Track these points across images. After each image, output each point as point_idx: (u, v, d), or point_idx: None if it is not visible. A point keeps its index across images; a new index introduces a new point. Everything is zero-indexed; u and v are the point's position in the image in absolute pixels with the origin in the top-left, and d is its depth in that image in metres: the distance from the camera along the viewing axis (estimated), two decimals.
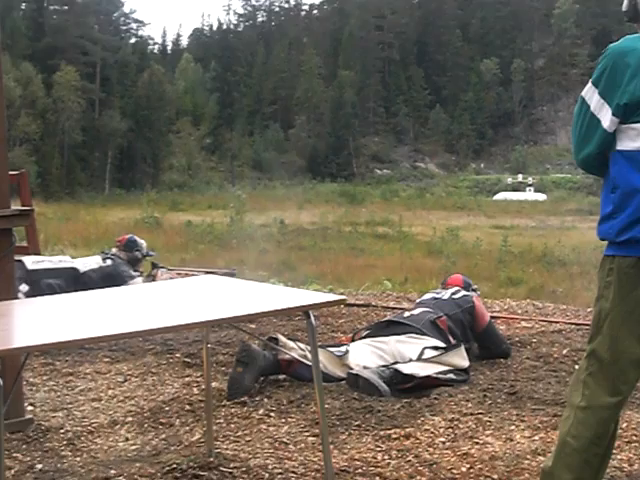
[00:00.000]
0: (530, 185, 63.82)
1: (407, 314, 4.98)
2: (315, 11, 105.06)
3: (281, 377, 4.51)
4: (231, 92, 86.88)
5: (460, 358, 4.59)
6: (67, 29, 71.43)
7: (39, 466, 3.38)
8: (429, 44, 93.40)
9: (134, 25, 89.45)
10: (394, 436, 3.62)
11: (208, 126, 79.01)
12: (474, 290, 5.49)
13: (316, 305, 2.94)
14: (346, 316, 6.52)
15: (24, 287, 5.91)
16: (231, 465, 3.28)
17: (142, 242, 7.34)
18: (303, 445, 3.56)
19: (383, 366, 4.45)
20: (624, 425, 3.66)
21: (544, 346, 5.37)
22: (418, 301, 5.37)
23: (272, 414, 3.97)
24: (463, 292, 5.20)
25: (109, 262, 6.77)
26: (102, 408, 4.17)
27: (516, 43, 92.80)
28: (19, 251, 4.69)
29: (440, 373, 4.43)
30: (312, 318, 2.79)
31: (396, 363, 4.47)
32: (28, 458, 3.48)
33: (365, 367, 4.42)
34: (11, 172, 4.23)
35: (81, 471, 3.32)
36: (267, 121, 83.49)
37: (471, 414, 3.91)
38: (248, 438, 3.66)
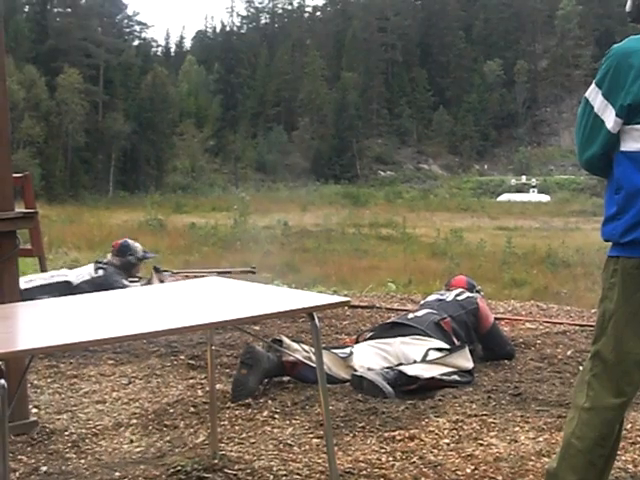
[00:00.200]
0: (534, 186, 63.74)
1: (411, 315, 4.98)
2: (318, 13, 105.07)
3: (285, 379, 4.51)
4: (234, 94, 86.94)
5: (464, 359, 4.59)
6: (70, 32, 71.48)
7: (44, 468, 3.39)
8: (432, 45, 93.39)
9: (137, 27, 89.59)
10: (398, 438, 3.62)
11: (211, 128, 79.06)
12: (478, 291, 5.49)
13: (320, 307, 2.94)
14: (350, 318, 6.52)
15: None
16: (235, 467, 3.28)
17: (137, 246, 7.18)
18: (307, 447, 3.56)
19: (387, 368, 4.44)
20: (628, 426, 3.65)
21: (548, 347, 5.36)
22: (422, 302, 5.37)
23: (276, 416, 3.97)
24: (467, 294, 5.19)
25: (100, 272, 6.68)
26: (106, 410, 4.17)
27: (519, 44, 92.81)
28: (23, 253, 4.68)
29: (444, 375, 4.43)
30: (316, 320, 2.79)
31: (400, 365, 4.47)
32: (33, 460, 3.48)
33: (369, 369, 4.42)
34: (15, 175, 4.24)
35: (85, 473, 3.32)
36: (270, 123, 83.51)
37: (475, 415, 3.91)
38: (252, 440, 3.66)
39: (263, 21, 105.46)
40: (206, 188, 63.55)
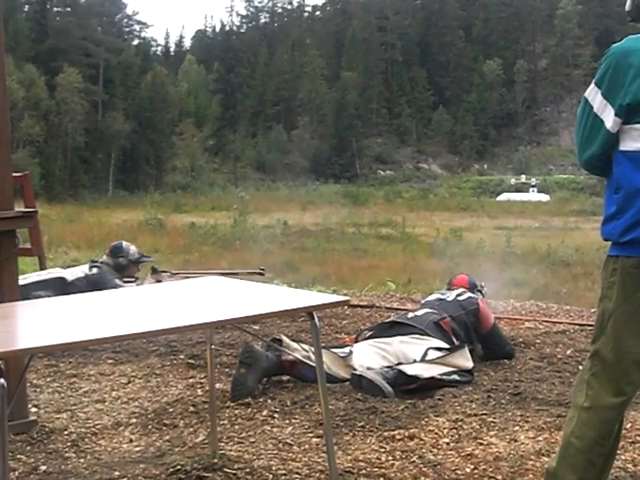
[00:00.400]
0: (533, 186, 63.81)
1: (411, 315, 4.98)
2: (318, 12, 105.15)
3: (285, 378, 4.50)
4: (234, 93, 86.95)
5: (464, 359, 4.59)
6: (70, 31, 71.51)
7: (43, 468, 3.38)
8: (432, 45, 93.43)
9: (137, 27, 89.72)
10: (398, 437, 3.62)
11: (211, 128, 79.10)
12: (480, 291, 5.49)
13: (320, 306, 2.94)
14: (350, 317, 6.51)
15: None
16: (235, 466, 3.28)
17: (130, 248, 7.17)
18: (307, 446, 3.56)
19: (387, 367, 4.44)
20: (628, 425, 3.65)
21: (548, 347, 5.36)
22: (423, 302, 5.36)
23: (276, 415, 3.97)
24: (468, 294, 5.19)
25: (95, 270, 6.75)
26: (106, 410, 4.17)
27: (519, 44, 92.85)
28: (23, 252, 4.68)
29: (444, 374, 4.42)
30: (316, 319, 2.78)
31: (400, 364, 4.47)
32: (32, 460, 3.48)
33: (369, 368, 4.42)
34: (15, 174, 4.23)
35: (85, 472, 3.32)
36: (270, 122, 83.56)
37: (475, 415, 3.91)
38: (252, 439, 3.66)
39: (263, 20, 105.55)
40: (206, 187, 63.63)
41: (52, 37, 71.68)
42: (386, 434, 3.66)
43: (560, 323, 6.29)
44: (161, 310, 2.87)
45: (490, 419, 3.86)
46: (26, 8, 76.67)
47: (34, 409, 4.14)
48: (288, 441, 3.62)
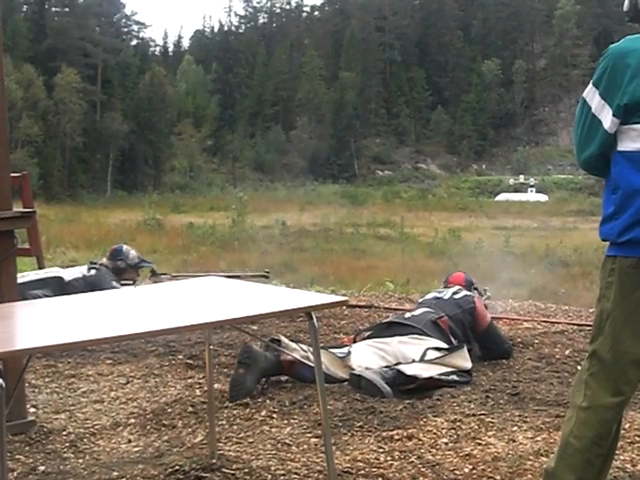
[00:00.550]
0: (532, 186, 63.78)
1: (408, 315, 4.98)
2: (316, 12, 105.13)
3: (283, 378, 4.50)
4: (232, 94, 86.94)
5: (463, 359, 4.59)
6: (68, 31, 71.45)
7: (42, 468, 3.38)
8: (430, 45, 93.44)
9: (135, 27, 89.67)
10: (397, 437, 3.62)
11: (209, 128, 79.05)
12: (476, 288, 5.48)
13: (318, 306, 2.94)
14: (348, 317, 6.51)
15: None
16: (234, 467, 3.28)
17: (130, 252, 7.17)
18: (306, 446, 3.56)
19: (385, 367, 4.44)
20: (627, 425, 3.66)
21: (546, 347, 5.36)
22: (420, 301, 5.36)
23: (274, 415, 3.97)
24: (464, 292, 5.18)
25: (93, 272, 6.76)
26: (104, 410, 4.17)
27: (517, 44, 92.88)
28: (21, 253, 4.69)
29: (443, 374, 4.42)
30: (314, 319, 2.79)
31: (398, 364, 4.47)
32: (31, 460, 3.48)
33: (367, 368, 4.42)
34: (13, 174, 4.23)
35: (84, 473, 3.32)
36: (268, 122, 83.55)
37: (473, 415, 3.91)
38: (250, 439, 3.66)
39: (261, 21, 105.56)
40: (204, 188, 63.56)
41: (50, 37, 71.62)
42: (384, 434, 3.66)
43: (558, 323, 6.29)
44: (159, 310, 2.87)
45: (488, 419, 3.86)
46: (24, 8, 76.68)
47: (33, 409, 4.14)
48: (287, 441, 3.62)
